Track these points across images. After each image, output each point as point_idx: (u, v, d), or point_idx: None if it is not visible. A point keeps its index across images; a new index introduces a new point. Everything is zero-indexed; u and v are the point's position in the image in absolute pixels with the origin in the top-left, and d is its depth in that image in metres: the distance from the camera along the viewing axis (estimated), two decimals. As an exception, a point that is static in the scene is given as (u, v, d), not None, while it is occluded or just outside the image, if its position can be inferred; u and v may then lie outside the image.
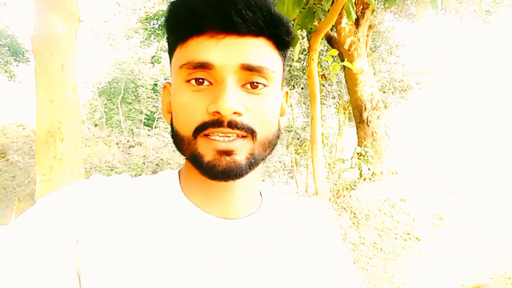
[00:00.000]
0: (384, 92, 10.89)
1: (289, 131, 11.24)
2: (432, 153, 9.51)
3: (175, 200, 0.54)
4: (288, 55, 0.56)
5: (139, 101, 16.52)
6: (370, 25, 7.27)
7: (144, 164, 12.77)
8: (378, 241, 5.30)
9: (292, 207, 0.63)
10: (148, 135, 15.63)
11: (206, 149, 0.47)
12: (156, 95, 16.93)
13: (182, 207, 0.53)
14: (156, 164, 13.35)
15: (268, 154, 0.52)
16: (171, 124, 0.52)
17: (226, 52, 0.46)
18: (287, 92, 0.59)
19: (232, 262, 0.51)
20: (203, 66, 0.46)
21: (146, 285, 0.46)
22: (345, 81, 7.26)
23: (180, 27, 0.49)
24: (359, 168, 6.11)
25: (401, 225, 5.98)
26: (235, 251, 0.52)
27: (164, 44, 14.74)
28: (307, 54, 5.35)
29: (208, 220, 0.52)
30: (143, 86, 16.43)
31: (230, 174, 0.47)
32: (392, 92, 11.13)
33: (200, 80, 0.47)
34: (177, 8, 0.48)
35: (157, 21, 10.63)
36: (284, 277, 0.53)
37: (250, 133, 0.47)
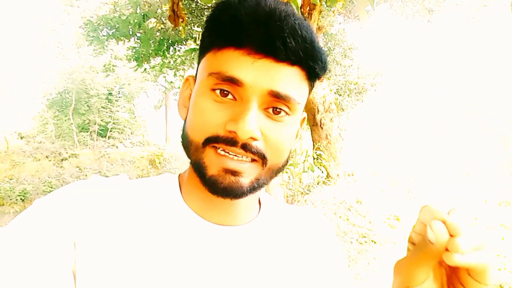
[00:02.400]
0: (340, 95, 10.95)
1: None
2: (389, 154, 9.60)
3: (174, 205, 0.54)
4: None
5: (92, 111, 15.82)
6: (319, 27, 7.21)
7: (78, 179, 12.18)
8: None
9: (289, 216, 0.63)
10: (103, 147, 15.02)
11: (212, 162, 0.47)
12: (110, 104, 16.27)
13: (180, 212, 0.53)
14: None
15: (273, 179, 0.52)
16: (184, 123, 0.53)
17: (259, 74, 0.45)
18: (304, 118, 0.59)
19: (228, 269, 0.51)
20: (233, 81, 0.46)
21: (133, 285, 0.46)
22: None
23: (219, 33, 0.48)
24: (313, 172, 5.97)
25: (357, 228, 5.87)
26: (232, 258, 0.52)
27: (118, 52, 14.31)
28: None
29: (206, 226, 0.53)
30: (96, 96, 15.75)
31: (230, 193, 0.48)
32: (348, 95, 11.20)
33: (225, 92, 0.47)
34: (222, 13, 0.48)
35: (109, 28, 10.18)
36: (281, 284, 0.53)
37: (261, 158, 0.48)
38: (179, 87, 15.70)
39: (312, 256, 0.59)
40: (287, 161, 0.53)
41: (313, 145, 6.90)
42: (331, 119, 6.94)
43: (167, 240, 0.49)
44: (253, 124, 0.45)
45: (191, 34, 9.04)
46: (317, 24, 6.59)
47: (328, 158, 6.32)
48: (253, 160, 0.47)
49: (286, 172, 6.06)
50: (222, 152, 0.46)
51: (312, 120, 6.98)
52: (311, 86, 0.53)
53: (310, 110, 6.94)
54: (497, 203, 7.91)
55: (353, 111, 11.09)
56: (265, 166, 0.48)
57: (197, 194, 0.53)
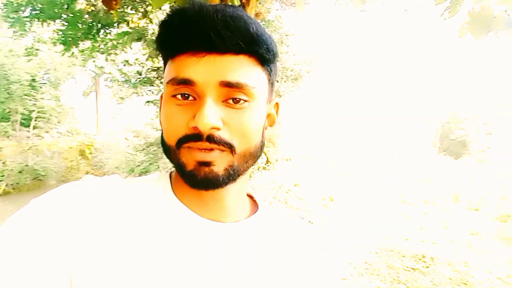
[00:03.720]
0: (277, 81, 11.11)
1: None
2: (323, 138, 10.00)
3: (168, 202, 0.56)
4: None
5: (13, 99, 14.51)
6: (257, 13, 7.21)
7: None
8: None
9: (284, 223, 0.65)
10: (28, 137, 13.91)
11: (188, 159, 0.51)
12: (34, 91, 15.03)
13: (175, 209, 0.55)
14: (19, 172, 11.93)
15: (252, 165, 0.56)
16: (161, 133, 0.56)
17: (206, 69, 0.49)
18: (277, 103, 0.62)
19: (222, 264, 0.53)
20: (186, 82, 0.49)
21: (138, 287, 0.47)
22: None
23: (167, 45, 0.53)
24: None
25: (295, 210, 6.10)
26: (225, 254, 0.54)
27: (42, 35, 13.17)
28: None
29: (200, 222, 0.55)
30: (17, 82, 14.43)
31: (208, 183, 0.51)
32: (285, 81, 11.41)
33: (185, 95, 0.50)
34: (164, 28, 0.52)
35: (32, 9, 9.30)
36: (264, 283, 0.55)
37: (229, 147, 0.50)
38: (110, 73, 14.92)
39: (297, 265, 0.61)
40: (261, 146, 0.56)
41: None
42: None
43: (163, 238, 0.52)
44: (211, 116, 0.47)
45: (123, 17, 8.59)
46: (255, 11, 6.59)
47: (267, 144, 6.44)
48: (221, 150, 0.50)
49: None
50: (193, 148, 0.50)
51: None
52: (268, 70, 0.55)
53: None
54: (420, 181, 8.60)
55: (289, 97, 11.34)
56: (235, 153, 0.51)
57: (188, 190, 0.55)
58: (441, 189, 8.25)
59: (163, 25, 0.52)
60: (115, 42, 9.74)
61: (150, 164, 11.45)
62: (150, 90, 10.84)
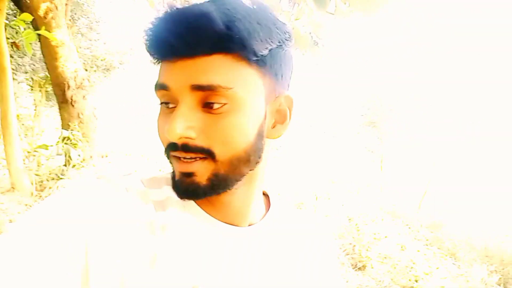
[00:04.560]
0: (87, 70, 10.19)
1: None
2: (138, 133, 9.76)
3: (184, 203, 0.55)
4: (272, 63, 0.52)
5: None
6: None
7: None
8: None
9: (295, 222, 0.66)
10: None
11: (176, 168, 0.51)
12: None
13: (189, 208, 0.55)
14: None
15: (249, 170, 0.53)
16: None
17: (178, 74, 0.47)
18: (288, 97, 0.56)
19: (231, 267, 0.54)
20: (162, 87, 0.49)
21: (157, 284, 0.47)
22: (42, 54, 6.20)
23: (151, 54, 0.52)
24: (66, 155, 5.41)
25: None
26: (236, 258, 0.55)
27: None
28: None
29: (213, 224, 0.55)
30: None
31: (190, 194, 0.51)
32: (95, 71, 10.58)
33: (167, 103, 0.50)
34: (146, 36, 0.51)
35: None
36: (278, 283, 0.57)
37: (208, 154, 0.48)
38: None
39: (310, 265, 0.63)
40: (256, 147, 0.52)
41: (63, 124, 6.23)
42: (84, 96, 6.42)
43: (177, 235, 0.52)
44: (179, 125, 0.46)
45: None
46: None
47: (82, 139, 5.88)
48: (201, 158, 0.48)
49: (34, 155, 5.25)
50: (175, 158, 0.50)
51: (62, 97, 6.26)
52: (260, 64, 0.50)
53: (59, 86, 6.21)
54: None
55: (102, 88, 10.57)
56: (217, 160, 0.48)
57: None
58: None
59: (145, 34, 0.51)
60: None
61: None
62: None
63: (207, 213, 0.55)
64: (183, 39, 0.46)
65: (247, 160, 0.51)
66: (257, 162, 0.53)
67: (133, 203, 0.51)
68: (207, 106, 0.48)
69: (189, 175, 0.49)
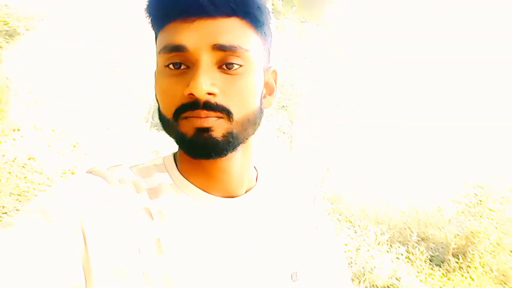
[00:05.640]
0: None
1: None
2: (50, 106, 9.20)
3: (177, 183, 0.56)
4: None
5: None
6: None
7: None
8: (19, 206, 4.81)
9: (283, 181, 0.68)
10: None
11: (187, 128, 0.49)
12: None
13: (184, 189, 0.55)
14: None
15: (252, 133, 0.55)
16: (158, 107, 0.54)
17: (198, 34, 0.48)
18: (275, 71, 0.61)
19: (235, 239, 0.54)
20: (178, 49, 0.48)
21: (157, 270, 0.48)
22: None
23: (156, 15, 0.51)
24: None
25: (36, 185, 5.65)
26: (236, 229, 0.55)
27: None
28: None
29: (210, 200, 0.55)
30: None
31: (208, 150, 0.50)
32: (-4, 36, 9.55)
33: (177, 64, 0.49)
34: (149, 1, 0.51)
35: None
36: (280, 250, 0.58)
37: (226, 113, 0.49)
38: None
39: (304, 215, 0.65)
40: (259, 112, 0.55)
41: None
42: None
43: (176, 218, 0.52)
44: (206, 81, 0.46)
45: None
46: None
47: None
48: (218, 117, 0.49)
49: None
50: (191, 117, 0.49)
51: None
52: (262, 34, 0.54)
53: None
54: (136, 153, 9.15)
55: (11, 59, 9.62)
56: (232, 120, 0.50)
57: (194, 169, 0.56)
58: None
59: None
60: None
61: None
62: None
63: (203, 190, 0.55)
64: None
65: (254, 123, 0.54)
66: (256, 129, 0.56)
67: (127, 192, 0.51)
68: (224, 66, 0.49)
69: (206, 130, 0.48)
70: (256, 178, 0.63)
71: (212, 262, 0.51)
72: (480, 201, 8.22)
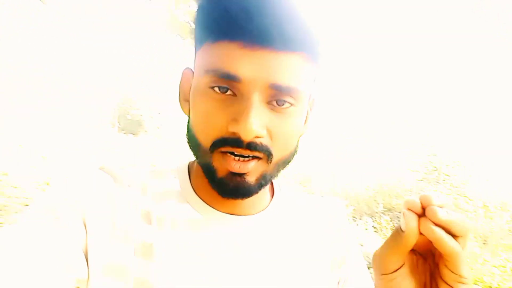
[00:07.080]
0: None
1: None
2: (15, 120, 9.00)
3: (183, 191, 0.55)
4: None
5: None
6: None
7: None
8: (1, 220, 4.87)
9: (304, 206, 0.63)
10: None
11: (221, 165, 0.47)
12: None
13: (189, 199, 0.54)
14: None
15: (280, 172, 0.52)
16: (188, 123, 0.52)
17: (257, 67, 0.43)
18: (313, 100, 0.57)
19: (236, 258, 0.52)
20: (230, 77, 0.44)
21: (143, 274, 0.47)
22: None
23: (210, 26, 0.46)
24: None
25: (14, 199, 5.67)
26: (243, 248, 0.53)
27: None
28: None
29: (212, 213, 0.53)
30: None
31: (238, 193, 0.48)
32: None
33: (224, 89, 0.45)
34: (210, 6, 0.46)
35: None
36: (286, 276, 0.54)
37: (267, 155, 0.47)
38: None
39: (324, 246, 0.60)
40: (295, 152, 0.52)
41: None
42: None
43: (173, 226, 0.50)
44: (256, 123, 0.43)
45: None
46: None
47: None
48: (258, 159, 0.46)
49: None
50: (229, 154, 0.46)
51: None
52: (316, 67, 0.49)
53: None
54: (105, 158, 9.05)
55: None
56: (270, 162, 0.47)
57: (207, 186, 0.52)
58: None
59: (215, 1, 0.45)
60: None
61: None
62: None
63: (208, 203, 0.53)
64: (283, 31, 0.42)
65: (287, 163, 0.51)
66: (286, 166, 0.52)
67: (132, 193, 0.51)
68: (274, 102, 0.45)
69: (241, 174, 0.46)
70: (271, 200, 0.60)
71: (200, 278, 0.48)
72: (435, 167, 8.88)
